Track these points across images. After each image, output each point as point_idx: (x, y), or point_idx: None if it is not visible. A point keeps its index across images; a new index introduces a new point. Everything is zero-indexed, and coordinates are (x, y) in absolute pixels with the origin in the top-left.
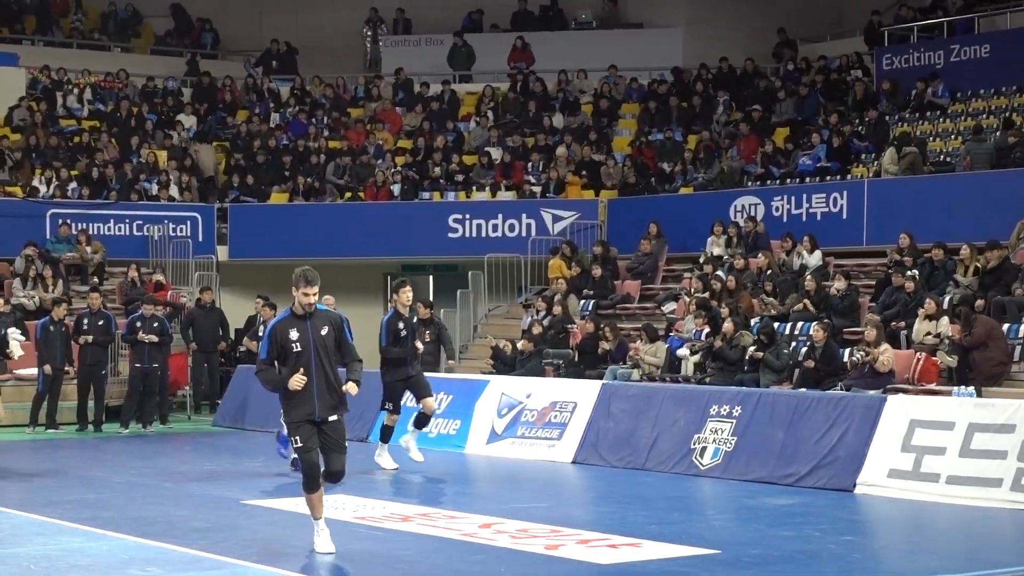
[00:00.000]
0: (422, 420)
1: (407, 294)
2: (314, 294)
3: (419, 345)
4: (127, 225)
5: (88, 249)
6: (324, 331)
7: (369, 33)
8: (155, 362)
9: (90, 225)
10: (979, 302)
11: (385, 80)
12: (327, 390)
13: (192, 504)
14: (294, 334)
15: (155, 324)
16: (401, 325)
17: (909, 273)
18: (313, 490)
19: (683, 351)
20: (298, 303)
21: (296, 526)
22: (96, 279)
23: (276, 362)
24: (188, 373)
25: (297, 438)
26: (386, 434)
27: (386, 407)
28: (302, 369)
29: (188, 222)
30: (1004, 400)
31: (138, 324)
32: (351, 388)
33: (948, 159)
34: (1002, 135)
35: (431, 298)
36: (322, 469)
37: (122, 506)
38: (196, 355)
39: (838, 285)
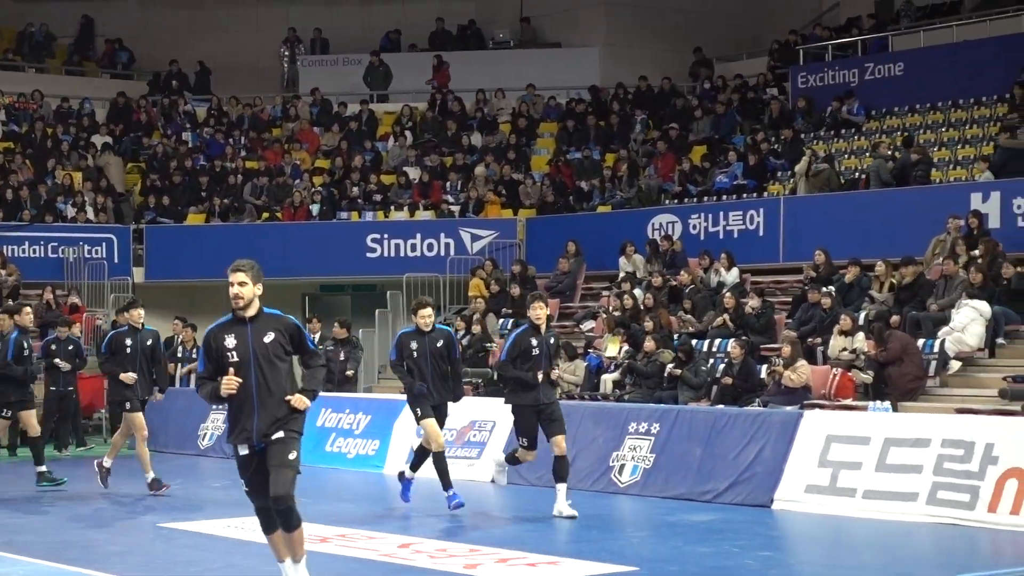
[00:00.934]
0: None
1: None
2: (240, 283)
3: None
4: (42, 247)
5: (3, 272)
6: (268, 338)
7: (287, 53)
8: (70, 385)
9: (4, 247)
10: (894, 318)
11: (303, 100)
12: (271, 406)
13: (109, 528)
14: (231, 341)
15: (70, 347)
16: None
17: (825, 289)
18: (268, 531)
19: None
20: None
21: (213, 548)
22: (11, 302)
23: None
24: (104, 396)
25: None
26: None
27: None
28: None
29: (104, 244)
30: (919, 415)
31: (53, 347)
32: (297, 401)
33: (863, 176)
34: (904, 153)
35: (349, 318)
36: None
37: (38, 530)
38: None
39: (752, 303)
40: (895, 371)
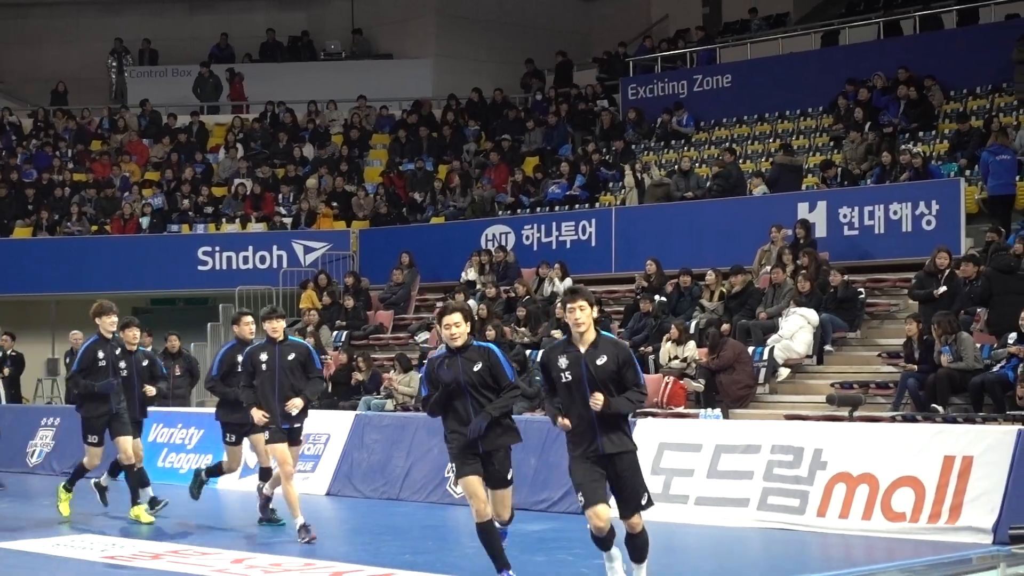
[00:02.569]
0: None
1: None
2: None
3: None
4: None
5: None
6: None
7: (114, 64)
8: None
9: None
10: (725, 326)
11: (131, 112)
12: None
13: None
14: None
15: None
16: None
17: (657, 299)
18: None
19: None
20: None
21: (39, 568)
22: None
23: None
24: None
25: None
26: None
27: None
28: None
29: None
30: (750, 421)
31: None
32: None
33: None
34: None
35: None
36: None
37: None
38: None
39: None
40: (726, 378)
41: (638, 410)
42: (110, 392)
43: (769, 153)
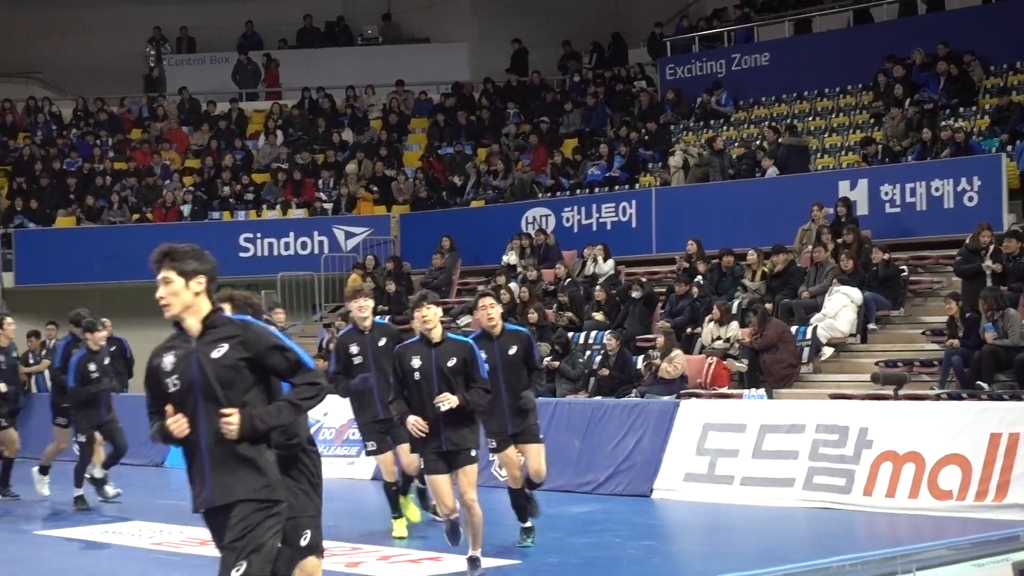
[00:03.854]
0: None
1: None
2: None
3: None
4: None
5: None
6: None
7: (152, 53)
8: None
9: None
10: (767, 305)
11: (170, 99)
12: None
13: None
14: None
15: None
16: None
17: (697, 279)
18: None
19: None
20: None
21: (88, 555)
22: None
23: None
24: None
25: None
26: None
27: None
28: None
29: None
30: (794, 401)
31: None
32: None
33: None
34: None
35: None
36: None
37: None
38: None
39: (635, 294)
40: (770, 358)
41: (681, 392)
42: None
43: (809, 131)
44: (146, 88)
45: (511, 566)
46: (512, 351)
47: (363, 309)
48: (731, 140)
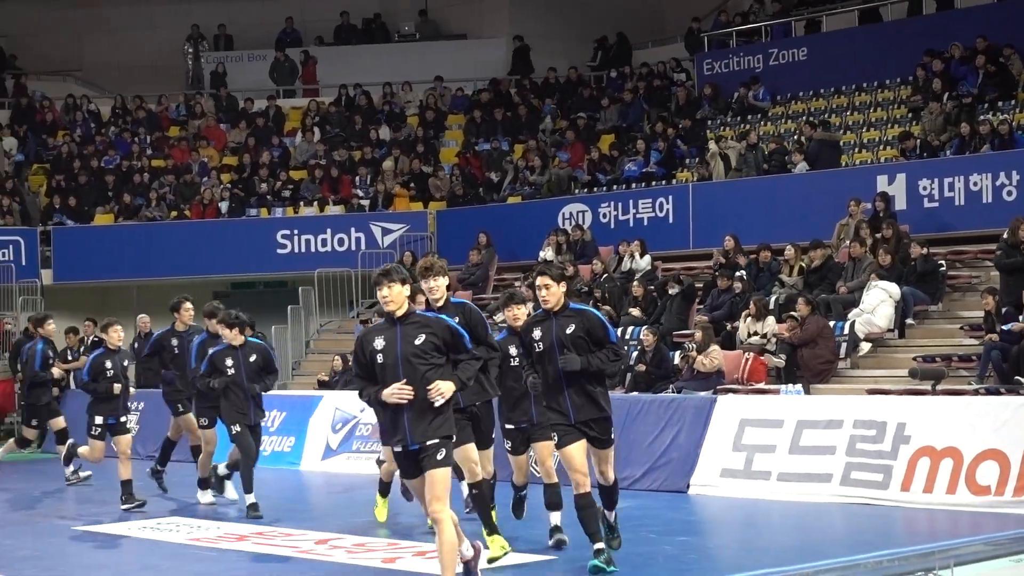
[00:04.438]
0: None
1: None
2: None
3: None
4: None
5: None
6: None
7: (190, 50)
8: None
9: None
10: (801, 301)
11: (207, 97)
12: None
13: (20, 532)
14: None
15: None
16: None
17: (737, 274)
18: None
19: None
20: None
21: (126, 551)
22: None
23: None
24: (14, 400)
25: None
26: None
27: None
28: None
29: (11, 246)
30: (831, 396)
31: None
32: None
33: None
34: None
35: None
36: None
37: None
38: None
39: (672, 291)
40: (808, 353)
41: (718, 387)
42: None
43: (847, 126)
44: (192, 83)
45: (547, 560)
46: (570, 330)
47: (434, 291)
48: (767, 135)
